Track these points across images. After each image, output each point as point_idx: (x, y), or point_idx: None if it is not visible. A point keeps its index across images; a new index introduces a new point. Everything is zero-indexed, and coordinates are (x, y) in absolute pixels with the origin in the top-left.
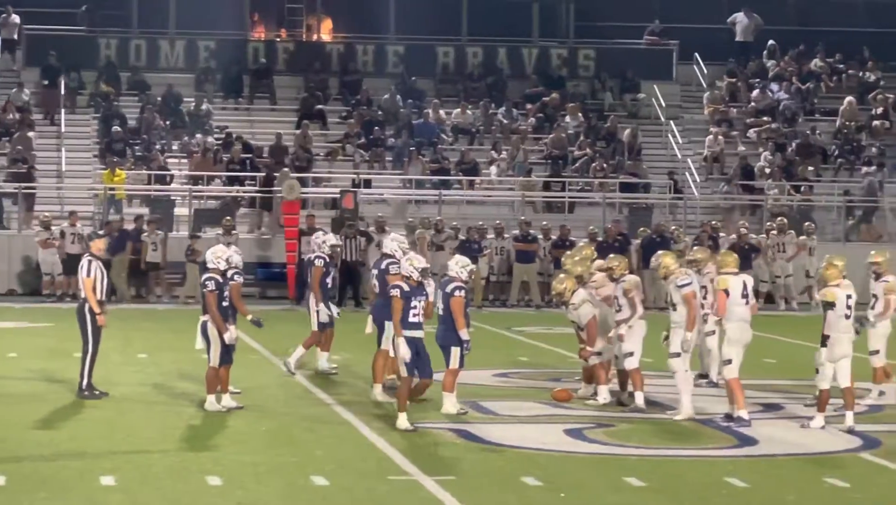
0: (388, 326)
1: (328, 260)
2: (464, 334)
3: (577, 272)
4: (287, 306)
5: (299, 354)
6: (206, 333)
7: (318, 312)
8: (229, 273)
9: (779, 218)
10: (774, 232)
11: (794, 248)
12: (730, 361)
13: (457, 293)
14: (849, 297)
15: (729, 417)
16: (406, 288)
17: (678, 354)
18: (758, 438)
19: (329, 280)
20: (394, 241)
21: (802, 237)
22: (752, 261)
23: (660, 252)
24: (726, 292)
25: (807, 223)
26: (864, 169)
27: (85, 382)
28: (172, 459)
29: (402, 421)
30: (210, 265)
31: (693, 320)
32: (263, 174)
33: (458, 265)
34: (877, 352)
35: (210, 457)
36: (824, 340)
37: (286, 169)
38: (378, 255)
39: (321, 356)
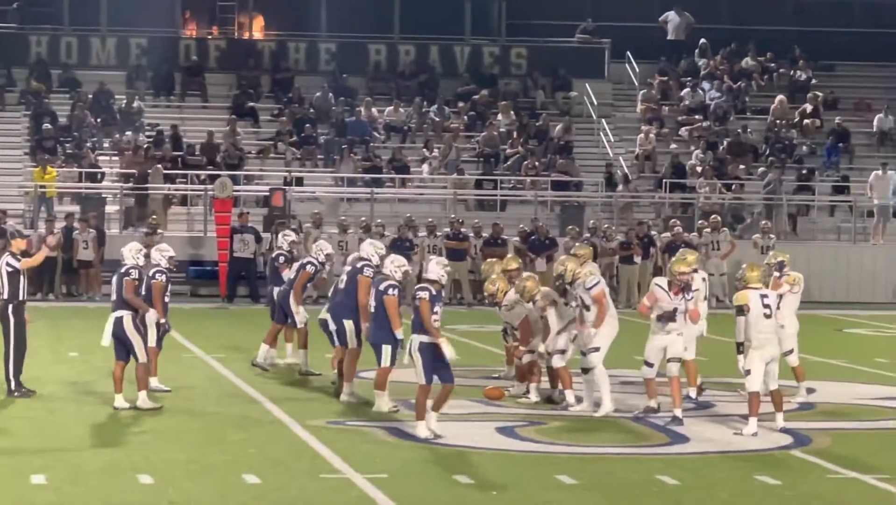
0: (349, 325)
1: (319, 267)
2: (398, 333)
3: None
4: (218, 304)
5: (303, 357)
6: (124, 329)
7: (297, 312)
8: (151, 271)
9: (712, 216)
10: (708, 230)
11: (728, 246)
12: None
13: (390, 291)
14: (764, 297)
15: (651, 410)
16: (433, 292)
17: (596, 350)
18: (689, 435)
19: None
20: (371, 246)
21: (756, 235)
22: None
23: (563, 257)
24: (745, 308)
25: (763, 222)
26: (761, 169)
27: (13, 382)
28: (103, 458)
29: (422, 429)
30: (128, 262)
31: (602, 318)
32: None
33: (394, 264)
34: (791, 351)
35: (141, 455)
36: (739, 348)
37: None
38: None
39: (263, 348)
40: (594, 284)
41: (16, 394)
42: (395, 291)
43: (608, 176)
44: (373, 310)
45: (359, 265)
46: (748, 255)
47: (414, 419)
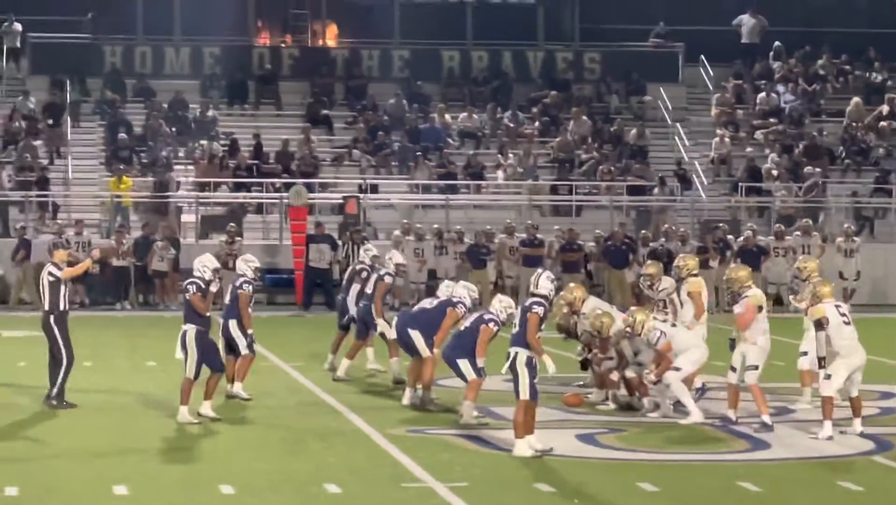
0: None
1: (394, 277)
2: (479, 362)
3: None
4: (295, 312)
5: (395, 366)
6: (185, 343)
7: (377, 324)
8: (238, 281)
9: (805, 220)
10: (798, 234)
11: (818, 250)
12: (756, 367)
13: (491, 325)
14: (838, 306)
15: (733, 422)
16: (546, 309)
17: (677, 370)
18: (770, 442)
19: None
20: (465, 289)
21: (840, 239)
22: (760, 263)
23: (633, 308)
24: (824, 321)
25: (846, 225)
26: (807, 169)
27: (56, 390)
28: (184, 468)
29: (524, 448)
30: (196, 273)
31: (668, 366)
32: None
33: (501, 304)
34: (805, 353)
35: (222, 465)
36: (821, 362)
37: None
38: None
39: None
40: (657, 339)
41: (54, 403)
42: (496, 328)
43: (681, 175)
44: (461, 328)
45: (454, 300)
46: (832, 259)
47: (496, 428)
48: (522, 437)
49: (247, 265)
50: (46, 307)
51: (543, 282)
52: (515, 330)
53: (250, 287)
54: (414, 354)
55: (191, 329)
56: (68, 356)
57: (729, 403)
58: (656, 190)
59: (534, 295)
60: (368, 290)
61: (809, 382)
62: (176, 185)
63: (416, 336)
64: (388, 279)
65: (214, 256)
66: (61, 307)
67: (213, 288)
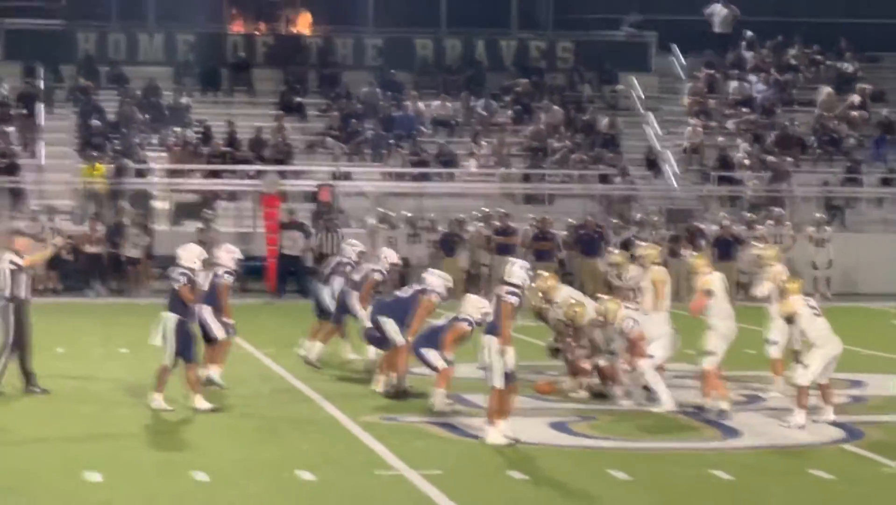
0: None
1: (385, 274)
2: (449, 356)
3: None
4: (268, 300)
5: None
6: (165, 331)
7: (360, 316)
8: (219, 271)
9: (777, 210)
10: (771, 223)
11: (790, 241)
12: (713, 353)
13: (466, 325)
14: (807, 300)
15: (701, 408)
16: (521, 299)
17: (651, 357)
18: (741, 430)
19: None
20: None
21: (811, 229)
22: (736, 253)
23: (606, 298)
24: (709, 293)
25: (818, 214)
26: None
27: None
28: (158, 455)
29: (496, 435)
30: (185, 263)
31: (641, 355)
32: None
33: (475, 306)
34: (775, 342)
35: (196, 453)
36: (797, 357)
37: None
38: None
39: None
40: (630, 329)
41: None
42: (469, 327)
43: (651, 160)
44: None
45: (427, 288)
46: (803, 248)
47: (469, 415)
48: (495, 424)
49: (229, 255)
50: (7, 295)
51: (517, 271)
52: (491, 318)
53: (231, 278)
54: (385, 344)
55: (172, 318)
56: (15, 342)
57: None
58: (618, 179)
59: (507, 284)
60: (356, 277)
61: (781, 371)
62: (134, 171)
63: (390, 324)
64: (377, 276)
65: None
66: (23, 295)
67: (201, 279)
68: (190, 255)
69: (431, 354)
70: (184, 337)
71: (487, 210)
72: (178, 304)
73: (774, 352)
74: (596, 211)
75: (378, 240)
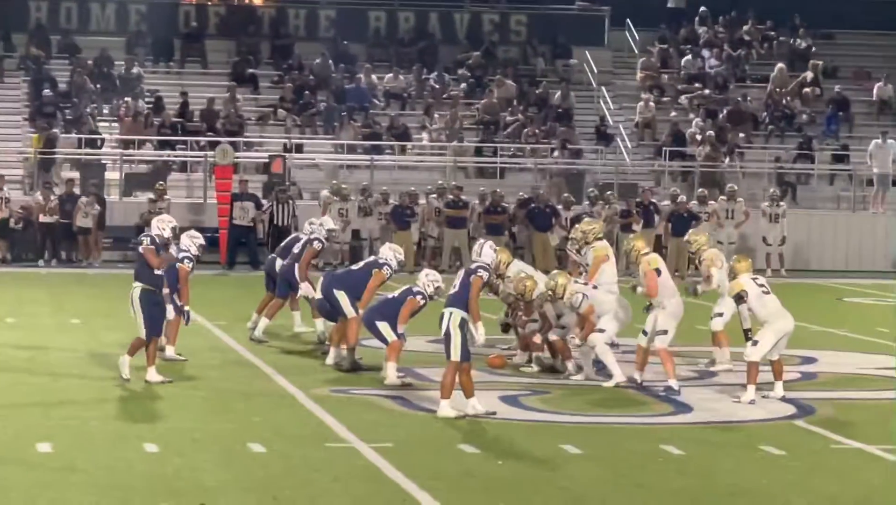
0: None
1: (324, 243)
2: (401, 329)
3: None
4: (219, 271)
5: (321, 326)
6: (132, 302)
7: (303, 288)
8: (179, 255)
9: (728, 185)
10: (724, 198)
11: (742, 216)
12: (665, 332)
13: (419, 298)
14: (755, 278)
15: (638, 384)
16: (489, 275)
17: (601, 331)
18: (693, 405)
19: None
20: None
21: (765, 204)
22: (688, 228)
23: (555, 272)
24: (658, 271)
25: (772, 189)
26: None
27: None
28: (109, 426)
29: (447, 409)
30: (154, 231)
31: (590, 331)
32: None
33: (428, 278)
34: (720, 315)
35: (146, 424)
36: (747, 334)
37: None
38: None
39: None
40: (580, 303)
41: None
42: (422, 301)
43: (602, 131)
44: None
45: (380, 261)
46: (757, 223)
47: (420, 388)
48: (448, 397)
49: (191, 241)
50: None
51: (486, 251)
52: (454, 291)
53: (192, 263)
54: (337, 316)
55: (138, 288)
56: None
57: (637, 364)
58: (556, 153)
59: (478, 262)
60: (295, 250)
61: (725, 343)
62: (100, 142)
63: (342, 296)
64: (317, 245)
65: (139, 215)
66: None
67: (172, 250)
68: (161, 223)
69: (384, 327)
70: (151, 308)
71: (442, 183)
72: (144, 271)
73: (717, 324)
74: (547, 185)
75: (330, 212)
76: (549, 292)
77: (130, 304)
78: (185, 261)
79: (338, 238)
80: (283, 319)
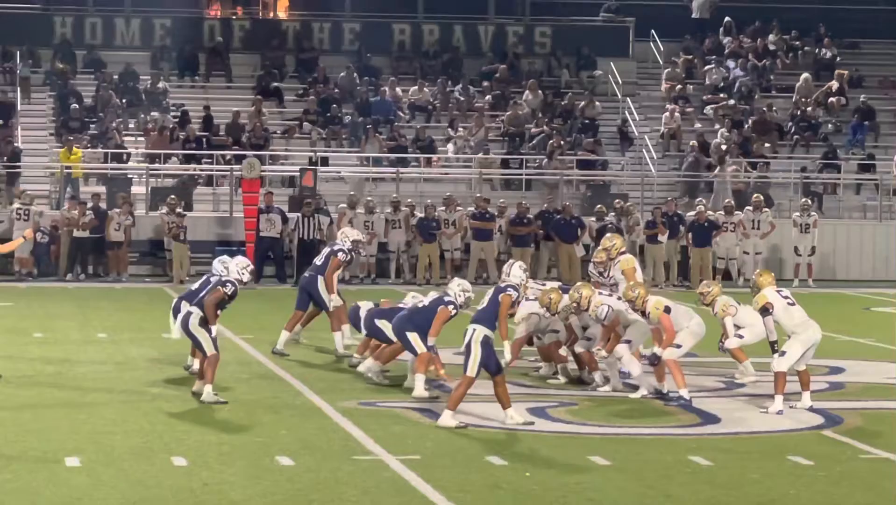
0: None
1: (349, 254)
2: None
3: None
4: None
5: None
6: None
7: (331, 299)
8: (213, 279)
9: (755, 195)
10: (750, 209)
11: (768, 226)
12: (679, 347)
13: (450, 307)
14: (779, 291)
15: (660, 393)
16: (519, 295)
17: (627, 342)
18: (720, 416)
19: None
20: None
21: (795, 214)
22: (712, 238)
23: (579, 284)
24: (667, 309)
25: (804, 200)
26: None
27: None
28: (136, 440)
29: (448, 418)
30: (234, 275)
31: (616, 342)
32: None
33: (460, 288)
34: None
35: (174, 438)
36: (773, 347)
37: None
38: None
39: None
40: (606, 315)
41: None
42: (454, 311)
43: (624, 133)
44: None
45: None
46: (788, 233)
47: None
48: (453, 409)
49: (239, 269)
50: None
51: (515, 270)
52: (482, 307)
53: (234, 288)
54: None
55: (196, 313)
56: None
57: (657, 376)
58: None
59: (506, 282)
60: (318, 261)
61: (743, 357)
62: (126, 156)
63: (414, 337)
64: (341, 256)
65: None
66: None
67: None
68: (222, 265)
69: (413, 338)
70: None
71: (480, 195)
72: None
73: (732, 343)
74: (547, 194)
75: (352, 224)
76: (574, 304)
77: (185, 326)
78: (229, 285)
79: (364, 250)
80: (314, 331)
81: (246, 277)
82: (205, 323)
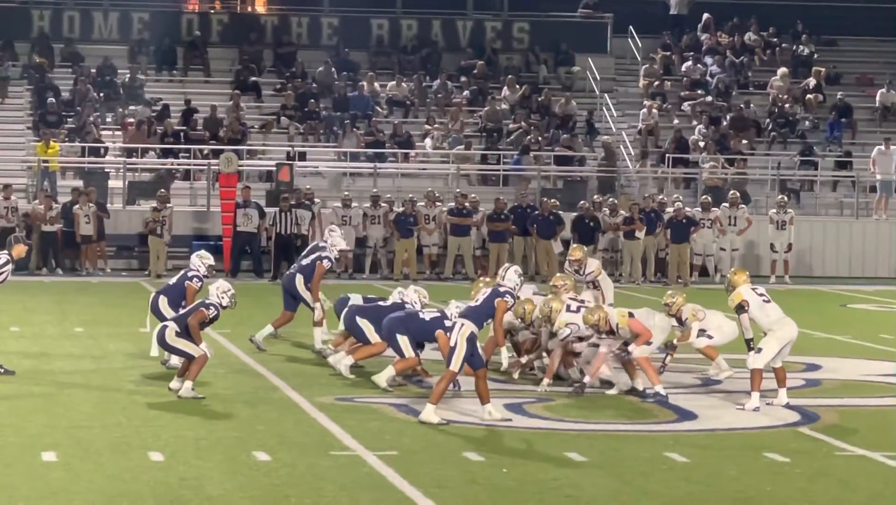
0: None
1: (333, 262)
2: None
3: None
4: (222, 279)
5: (317, 336)
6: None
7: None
8: (189, 274)
9: (732, 192)
10: (727, 205)
11: (744, 223)
12: (649, 343)
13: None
14: (754, 288)
15: (635, 390)
16: (514, 299)
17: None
18: (697, 413)
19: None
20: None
21: (772, 211)
22: (689, 235)
23: (550, 297)
24: (630, 314)
25: (780, 196)
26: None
27: None
28: (113, 435)
29: (430, 414)
30: (213, 299)
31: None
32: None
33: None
34: (710, 336)
35: (150, 432)
36: (749, 344)
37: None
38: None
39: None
40: (566, 336)
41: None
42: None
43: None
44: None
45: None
46: (764, 230)
47: (424, 396)
48: (435, 402)
49: (201, 261)
50: None
51: (511, 275)
52: (474, 304)
53: (200, 283)
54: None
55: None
56: None
57: (630, 374)
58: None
59: (503, 286)
60: (304, 262)
61: (714, 354)
62: (104, 150)
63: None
64: (326, 263)
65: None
66: None
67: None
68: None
69: (402, 340)
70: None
71: (459, 191)
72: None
73: (700, 343)
74: (521, 190)
75: (323, 220)
76: (544, 317)
77: (162, 341)
78: (195, 280)
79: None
80: (293, 327)
81: (226, 302)
82: (185, 333)
